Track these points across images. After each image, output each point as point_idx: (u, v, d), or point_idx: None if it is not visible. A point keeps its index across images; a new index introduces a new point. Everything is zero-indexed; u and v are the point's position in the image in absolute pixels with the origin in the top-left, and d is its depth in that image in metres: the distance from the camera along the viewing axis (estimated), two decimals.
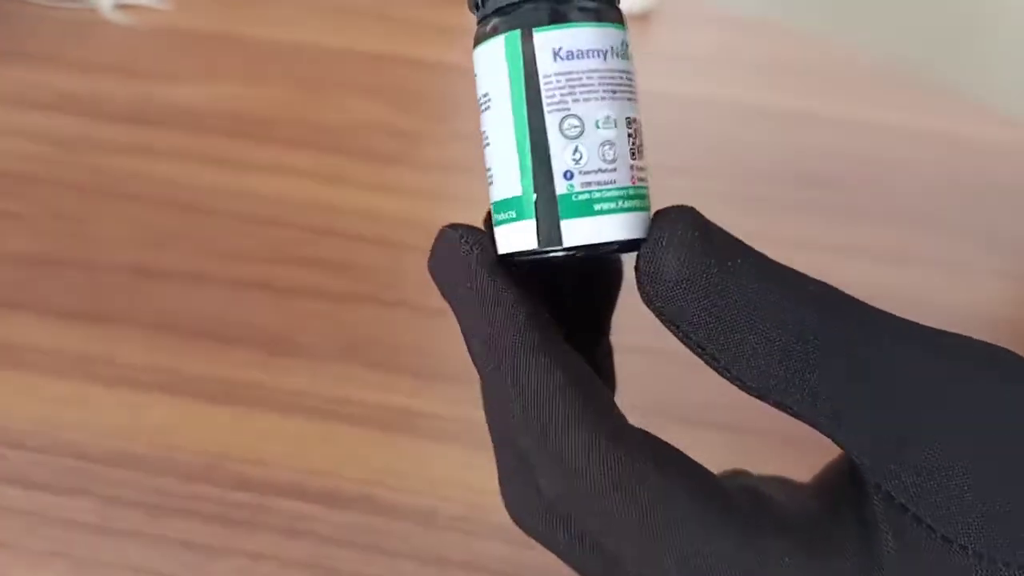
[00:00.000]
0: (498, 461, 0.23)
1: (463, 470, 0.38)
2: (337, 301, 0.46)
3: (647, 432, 0.20)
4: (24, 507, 0.36)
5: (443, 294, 0.21)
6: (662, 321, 0.19)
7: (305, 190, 0.53)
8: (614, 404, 0.20)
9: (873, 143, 0.62)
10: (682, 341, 0.19)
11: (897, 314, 0.19)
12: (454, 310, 0.21)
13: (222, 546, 0.35)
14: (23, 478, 0.37)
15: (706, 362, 0.19)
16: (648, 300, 0.19)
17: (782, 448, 0.26)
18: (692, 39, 0.71)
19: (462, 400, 0.40)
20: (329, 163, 0.55)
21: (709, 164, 0.58)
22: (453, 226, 0.21)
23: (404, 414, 0.41)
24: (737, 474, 0.24)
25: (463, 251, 0.21)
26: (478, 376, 0.21)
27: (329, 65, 0.64)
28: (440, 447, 0.39)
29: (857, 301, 0.19)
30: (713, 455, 0.35)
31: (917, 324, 0.19)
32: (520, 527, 0.23)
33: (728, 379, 0.19)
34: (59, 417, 0.39)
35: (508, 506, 0.23)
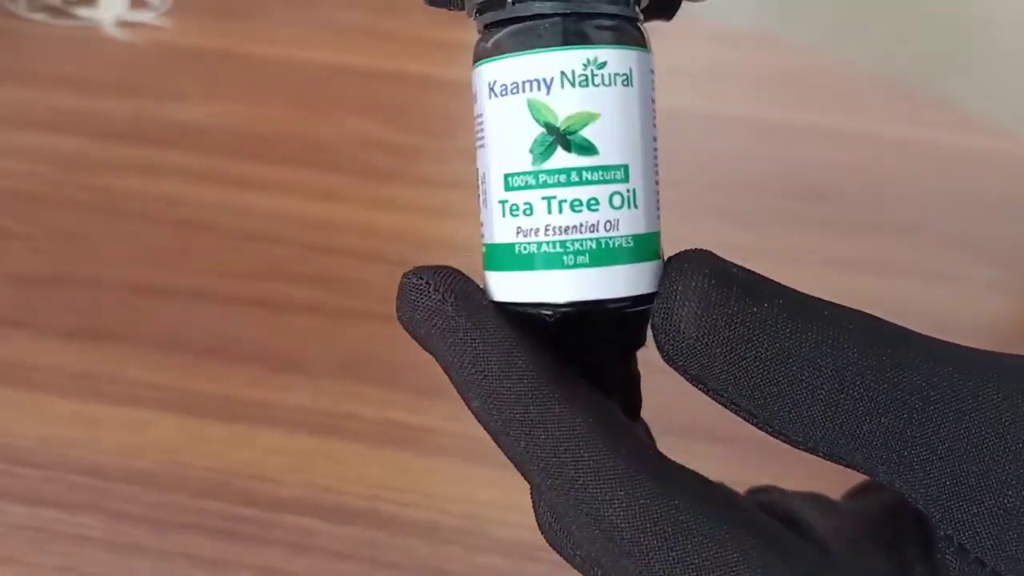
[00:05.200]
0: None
1: (464, 484, 0.39)
2: (336, 318, 0.47)
3: (681, 466, 0.18)
4: (32, 524, 0.36)
5: (426, 349, 0.19)
6: (688, 380, 0.17)
7: (304, 207, 0.53)
8: (645, 440, 0.18)
9: (868, 155, 0.63)
10: (713, 399, 0.17)
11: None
12: (443, 368, 0.19)
13: (229, 561, 0.36)
14: (31, 495, 0.37)
15: (744, 419, 0.17)
16: (669, 360, 0.17)
17: (779, 457, 0.27)
18: (687, 53, 0.72)
19: (462, 415, 0.40)
20: (327, 180, 0.56)
21: (703, 177, 0.59)
22: (416, 272, 0.19)
23: (405, 429, 0.41)
24: (767, 491, 0.22)
25: (433, 300, 0.18)
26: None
27: (326, 82, 0.64)
28: (441, 461, 0.40)
29: (902, 330, 0.17)
30: (707, 467, 0.36)
31: (973, 350, 0.17)
32: (555, 551, 0.21)
33: (770, 434, 0.17)
34: (65, 435, 0.40)
35: (541, 530, 0.20)
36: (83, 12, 0.66)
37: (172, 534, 0.37)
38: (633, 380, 0.22)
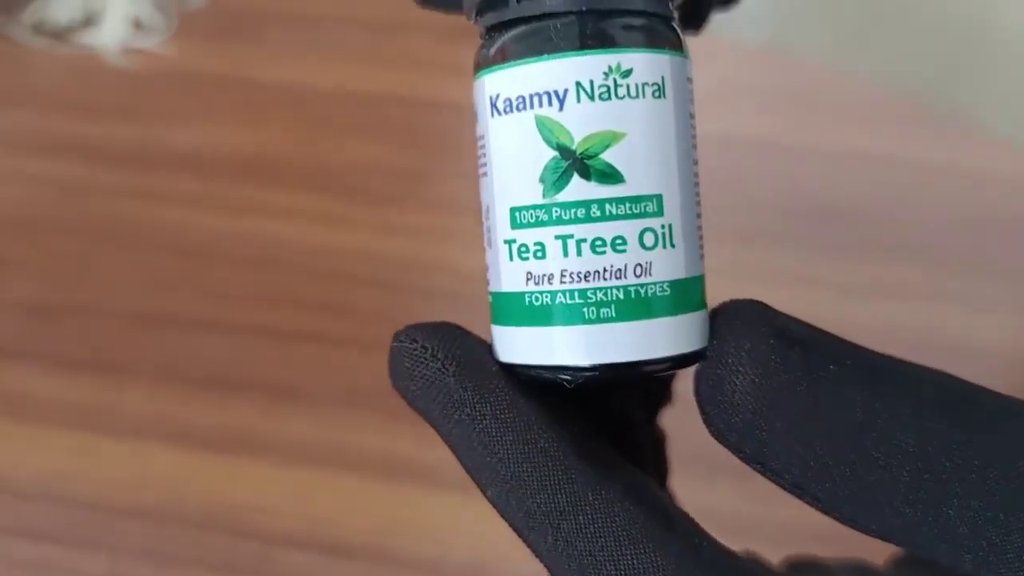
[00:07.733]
0: None
1: (470, 519, 0.38)
2: (340, 346, 0.46)
3: (738, 558, 0.16)
4: (34, 559, 0.36)
5: (430, 424, 0.16)
6: (741, 459, 0.15)
7: (307, 233, 0.53)
8: (691, 523, 0.15)
9: (882, 176, 0.62)
10: (772, 481, 0.15)
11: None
12: (449, 448, 0.16)
13: None
14: (32, 530, 0.37)
15: (806, 503, 0.15)
16: (719, 436, 0.15)
17: None
18: (697, 70, 0.71)
19: None
20: (331, 205, 0.55)
21: (713, 198, 0.58)
22: (408, 334, 0.16)
23: (409, 461, 0.41)
24: (807, 567, 0.21)
25: (432, 369, 0.16)
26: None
27: (330, 106, 0.64)
28: (447, 495, 0.39)
29: (980, 389, 0.15)
30: (722, 498, 0.36)
31: None
32: None
33: (837, 520, 0.15)
34: (65, 468, 0.39)
35: None
36: (85, 38, 0.65)
37: (173, 568, 0.36)
38: (659, 444, 0.20)
